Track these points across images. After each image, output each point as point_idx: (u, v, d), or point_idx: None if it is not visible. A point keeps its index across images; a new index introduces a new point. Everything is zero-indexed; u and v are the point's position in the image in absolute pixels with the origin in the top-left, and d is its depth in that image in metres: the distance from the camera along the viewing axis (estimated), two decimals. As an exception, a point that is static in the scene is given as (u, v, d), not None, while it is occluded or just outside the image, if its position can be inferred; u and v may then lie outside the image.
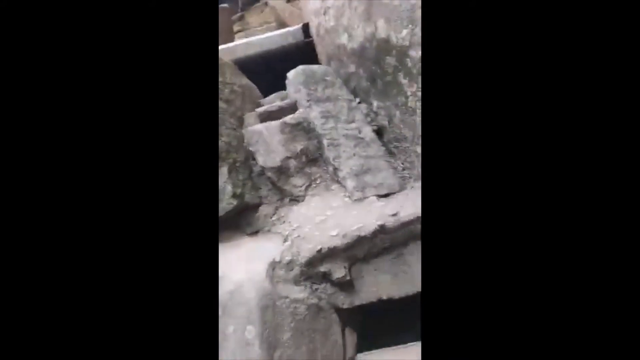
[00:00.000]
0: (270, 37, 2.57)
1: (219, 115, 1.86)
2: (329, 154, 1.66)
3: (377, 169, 1.60)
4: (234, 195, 1.69)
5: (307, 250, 1.14)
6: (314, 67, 1.87)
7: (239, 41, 2.65)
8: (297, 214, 1.54)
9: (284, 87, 2.38)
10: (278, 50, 2.55)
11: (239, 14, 6.56)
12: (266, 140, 1.82)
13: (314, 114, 1.72)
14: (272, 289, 1.11)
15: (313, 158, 1.76)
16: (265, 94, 2.59)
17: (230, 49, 2.56)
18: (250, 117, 2.06)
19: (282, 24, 5.02)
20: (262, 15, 6.53)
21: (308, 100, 1.75)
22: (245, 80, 2.36)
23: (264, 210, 1.77)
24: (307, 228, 1.29)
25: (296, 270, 1.14)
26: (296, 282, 1.12)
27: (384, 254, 1.15)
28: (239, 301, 1.09)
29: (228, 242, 1.69)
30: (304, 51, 2.58)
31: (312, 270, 1.12)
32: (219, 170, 1.72)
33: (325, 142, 1.68)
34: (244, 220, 1.77)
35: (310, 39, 2.52)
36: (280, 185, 1.74)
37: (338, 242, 1.15)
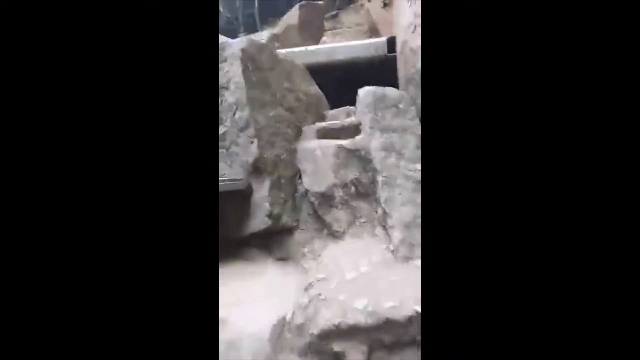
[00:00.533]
0: (353, 47, 2.38)
1: (277, 124, 1.74)
2: (382, 193, 1.44)
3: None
4: (271, 215, 1.56)
5: (323, 319, 0.95)
6: (387, 89, 1.65)
7: (319, 46, 2.51)
8: (330, 255, 1.35)
9: (354, 101, 2.20)
10: (358, 61, 2.36)
11: (333, 12, 6.48)
12: (317, 161, 1.65)
13: (375, 144, 1.50)
14: (272, 354, 0.94)
15: (363, 193, 1.55)
16: (334, 105, 2.43)
17: (308, 53, 2.43)
18: (309, 130, 1.91)
19: (373, 29, 4.81)
20: (356, 16, 6.37)
21: (372, 127, 1.54)
22: (314, 88, 2.21)
23: (298, 237, 1.61)
24: (334, 284, 1.10)
25: (305, 339, 0.96)
26: (301, 354, 0.94)
27: (416, 346, 0.91)
28: (234, 357, 0.95)
29: (252, 262, 1.57)
30: (384, 67, 2.36)
31: (323, 345, 0.93)
32: (262, 184, 1.60)
33: (380, 178, 1.46)
34: (275, 243, 1.63)
35: (394, 54, 2.29)
36: (321, 215, 1.56)
37: (362, 319, 0.94)
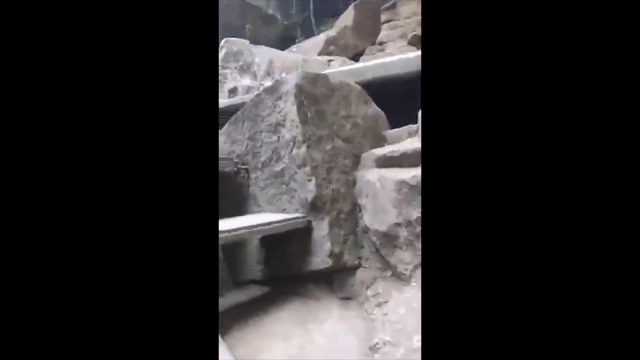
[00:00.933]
0: (409, 60, 2.24)
1: (334, 158, 1.70)
2: None
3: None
4: (332, 254, 1.53)
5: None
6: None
7: (372, 61, 2.40)
8: (397, 307, 1.29)
9: (416, 117, 2.07)
10: (415, 75, 2.21)
11: (390, 3, 6.23)
12: (377, 196, 1.58)
13: (440, 182, 1.38)
14: None
15: (429, 232, 1.44)
16: (394, 123, 2.31)
17: (361, 70, 2.34)
18: (368, 158, 1.83)
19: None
20: (414, 4, 6.04)
21: (435, 162, 1.42)
22: (372, 109, 2.12)
23: (361, 275, 1.56)
24: (401, 351, 1.03)
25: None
26: None
27: None
28: None
29: (316, 301, 1.56)
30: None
31: None
32: (321, 222, 1.58)
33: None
34: (338, 280, 1.60)
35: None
36: (384, 255, 1.50)
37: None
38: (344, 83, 1.96)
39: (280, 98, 1.70)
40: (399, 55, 2.36)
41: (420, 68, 2.35)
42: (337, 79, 1.92)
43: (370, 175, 1.65)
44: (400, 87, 2.32)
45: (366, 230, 1.57)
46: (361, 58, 4.55)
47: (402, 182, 1.51)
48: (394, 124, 2.35)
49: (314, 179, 1.57)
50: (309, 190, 1.58)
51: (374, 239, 1.52)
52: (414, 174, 1.50)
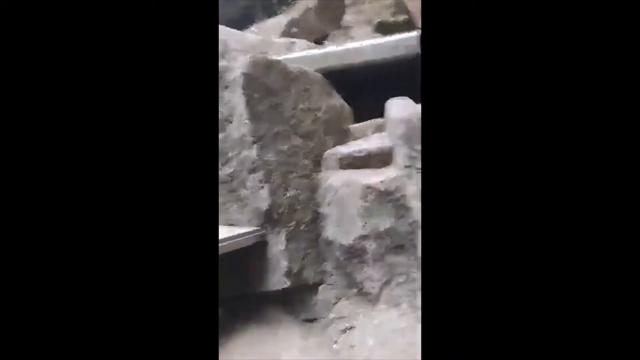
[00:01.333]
0: (376, 46, 2.02)
1: (292, 158, 1.47)
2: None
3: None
4: (289, 274, 1.32)
5: None
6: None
7: (336, 47, 2.16)
8: (363, 337, 1.11)
9: (382, 109, 1.88)
10: (384, 63, 2.01)
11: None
12: (342, 203, 1.38)
13: (414, 189, 1.21)
14: None
15: (400, 245, 1.27)
16: (358, 115, 2.11)
17: (323, 56, 2.10)
18: (331, 158, 1.62)
19: (401, 8, 4.31)
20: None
21: (408, 167, 1.24)
22: (335, 100, 1.90)
23: (323, 293, 1.37)
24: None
25: None
26: None
27: None
28: None
29: (273, 328, 1.35)
30: (415, 69, 1.99)
31: None
32: (278, 236, 1.36)
33: (419, 221, 1.17)
34: (298, 300, 1.40)
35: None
36: (350, 272, 1.31)
37: None
38: (303, 71, 1.72)
39: (226, 88, 1.43)
40: (367, 41, 2.13)
41: (388, 55, 2.15)
42: (295, 66, 1.68)
43: (334, 179, 1.45)
44: (367, 76, 2.11)
45: (329, 243, 1.37)
46: (325, 42, 4.31)
47: (369, 188, 1.32)
48: (359, 117, 2.14)
49: (267, 185, 1.34)
50: (263, 199, 1.35)
51: (338, 253, 1.33)
52: (382, 178, 1.32)
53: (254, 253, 1.37)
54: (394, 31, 3.65)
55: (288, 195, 1.40)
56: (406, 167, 1.24)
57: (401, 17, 3.89)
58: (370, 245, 1.28)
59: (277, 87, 1.51)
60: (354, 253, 1.30)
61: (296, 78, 1.63)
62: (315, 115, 1.68)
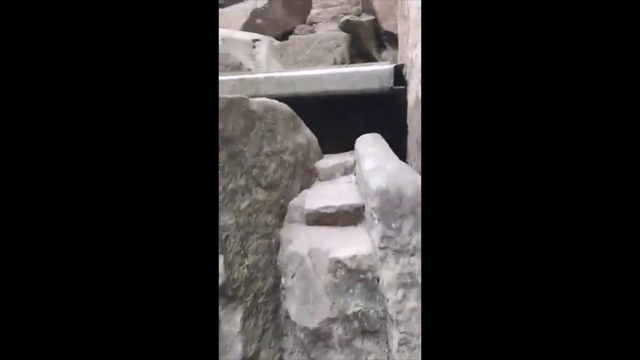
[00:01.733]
0: (348, 75, 1.86)
1: (252, 217, 1.29)
2: (396, 333, 1.05)
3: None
4: (245, 358, 1.16)
5: None
6: (401, 178, 1.19)
7: (299, 72, 1.96)
8: None
9: (351, 143, 1.74)
10: (353, 94, 1.86)
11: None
12: (307, 276, 1.23)
13: (388, 276, 1.08)
14: None
15: (371, 330, 1.15)
16: (330, 147, 1.95)
17: (288, 81, 1.90)
18: (295, 209, 1.46)
19: (368, 8, 4.12)
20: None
21: (383, 248, 1.11)
22: (302, 136, 1.72)
23: (282, 375, 1.23)
24: None
25: None
26: None
27: None
28: None
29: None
30: (390, 100, 1.87)
31: None
32: (234, 314, 1.18)
33: (393, 315, 1.06)
34: (253, 381, 1.24)
35: (402, 87, 1.79)
36: (314, 358, 1.17)
37: None
38: (269, 106, 1.52)
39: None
40: (338, 68, 1.95)
41: (357, 87, 1.99)
42: (260, 101, 1.47)
43: (298, 246, 1.29)
44: (336, 105, 1.95)
45: (291, 322, 1.22)
46: (290, 37, 4.06)
47: (339, 262, 1.18)
48: (328, 149, 1.99)
49: (222, 257, 1.15)
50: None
51: (301, 335, 1.18)
52: (354, 252, 1.18)
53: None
54: (359, 31, 3.50)
55: (246, 264, 1.23)
56: (381, 249, 1.11)
57: (368, 17, 3.74)
58: (337, 330, 1.15)
59: (238, 131, 1.31)
60: (319, 336, 1.17)
61: (260, 117, 1.43)
62: (281, 158, 1.50)
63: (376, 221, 1.13)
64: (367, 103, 1.86)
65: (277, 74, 1.91)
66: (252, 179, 1.33)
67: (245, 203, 1.27)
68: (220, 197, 1.20)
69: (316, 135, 1.89)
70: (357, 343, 1.15)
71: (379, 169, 1.27)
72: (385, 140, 1.77)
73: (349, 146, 1.84)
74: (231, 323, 1.18)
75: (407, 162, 1.65)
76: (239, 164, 1.28)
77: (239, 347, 1.16)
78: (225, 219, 1.20)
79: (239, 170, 1.28)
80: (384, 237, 1.11)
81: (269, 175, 1.42)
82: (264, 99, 1.52)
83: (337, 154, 1.99)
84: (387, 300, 1.06)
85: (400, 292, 1.06)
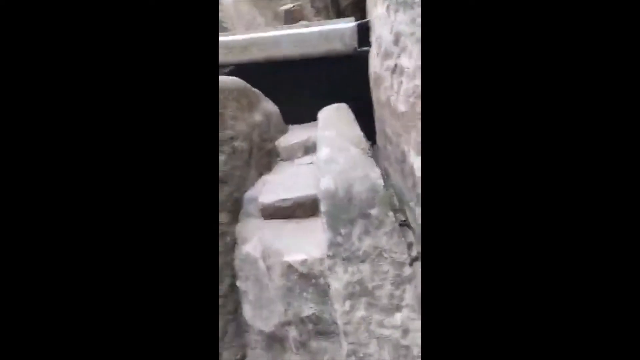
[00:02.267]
0: (309, 35, 1.62)
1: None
2: (344, 343, 1.03)
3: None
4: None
5: None
6: (352, 177, 1.06)
7: (259, 33, 1.72)
8: None
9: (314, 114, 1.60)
10: (314, 56, 1.64)
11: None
12: (261, 280, 1.19)
13: (336, 286, 1.02)
14: None
15: (326, 332, 1.13)
16: (294, 117, 1.80)
17: (242, 43, 1.67)
18: (251, 202, 1.37)
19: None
20: None
21: (331, 256, 1.03)
22: (260, 113, 1.56)
23: (247, 371, 1.25)
24: None
25: None
26: None
27: None
28: None
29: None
30: (352, 63, 1.65)
31: None
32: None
33: (341, 325, 1.03)
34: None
35: (367, 49, 1.56)
36: (272, 358, 1.18)
37: None
38: (228, 82, 1.36)
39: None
40: (297, 29, 1.70)
41: (319, 49, 1.74)
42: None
43: (252, 246, 1.22)
44: (296, 69, 1.73)
45: (247, 325, 1.21)
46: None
47: (290, 267, 1.12)
48: (293, 119, 1.83)
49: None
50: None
51: (258, 338, 1.18)
52: (305, 256, 1.11)
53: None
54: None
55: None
56: (329, 257, 1.03)
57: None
58: (292, 332, 1.13)
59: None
60: (275, 339, 1.16)
61: (222, 92, 1.28)
62: (234, 146, 1.38)
63: (325, 226, 1.04)
64: (333, 66, 1.64)
65: (228, 38, 1.68)
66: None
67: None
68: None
69: (277, 104, 1.72)
70: (313, 344, 1.14)
71: (331, 162, 1.15)
72: (352, 108, 1.60)
73: (315, 115, 1.68)
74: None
75: (375, 140, 1.49)
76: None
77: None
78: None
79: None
80: (332, 245, 1.03)
81: (220, 167, 1.31)
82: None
83: (303, 125, 1.83)
84: (337, 309, 1.01)
85: (348, 303, 1.00)
